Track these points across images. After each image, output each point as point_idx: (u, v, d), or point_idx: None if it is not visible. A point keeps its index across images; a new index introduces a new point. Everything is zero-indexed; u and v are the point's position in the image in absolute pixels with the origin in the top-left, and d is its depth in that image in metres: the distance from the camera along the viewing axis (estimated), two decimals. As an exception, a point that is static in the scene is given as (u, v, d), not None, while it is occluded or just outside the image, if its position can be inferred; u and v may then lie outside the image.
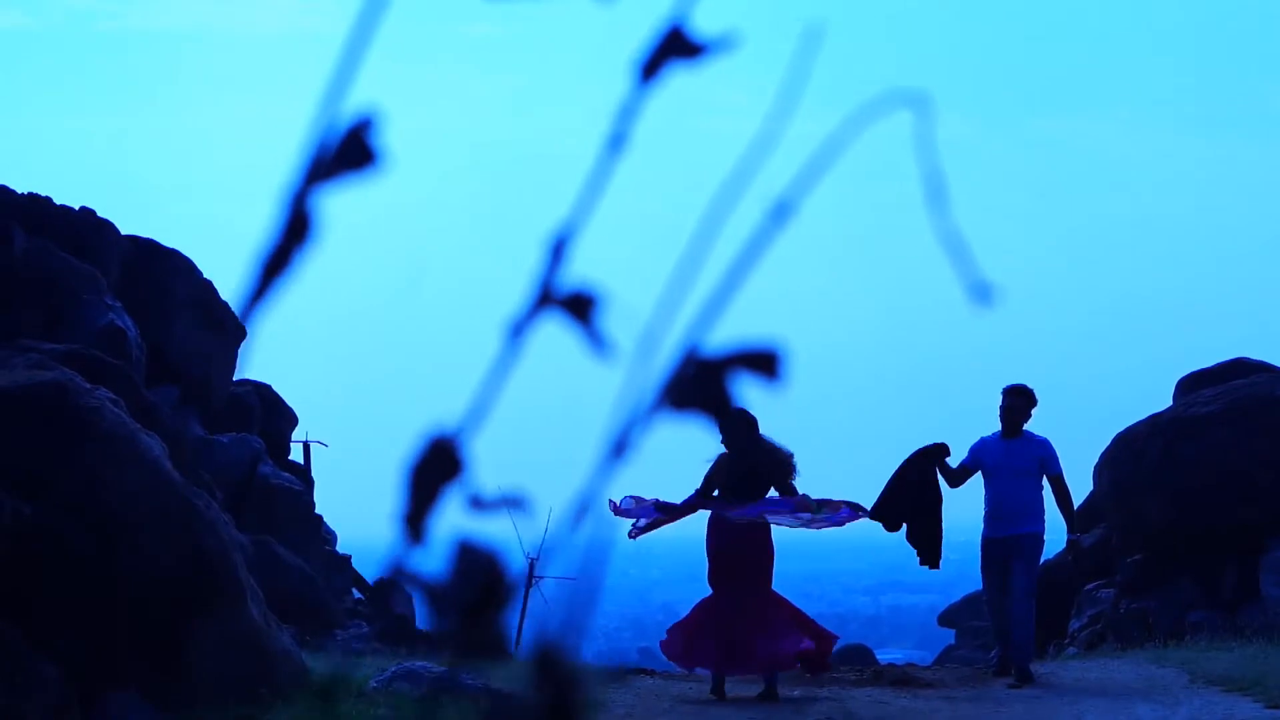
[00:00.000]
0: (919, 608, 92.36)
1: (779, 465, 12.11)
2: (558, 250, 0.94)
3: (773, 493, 12.10)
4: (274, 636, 10.44)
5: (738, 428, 11.98)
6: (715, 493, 12.21)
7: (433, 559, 0.92)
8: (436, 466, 0.91)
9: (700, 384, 0.91)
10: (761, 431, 12.23)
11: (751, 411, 12.13)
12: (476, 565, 0.89)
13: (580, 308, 0.93)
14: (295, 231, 0.89)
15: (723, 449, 12.23)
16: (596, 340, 0.94)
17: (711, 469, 12.20)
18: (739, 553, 12.02)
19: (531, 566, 22.54)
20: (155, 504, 9.97)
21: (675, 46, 0.96)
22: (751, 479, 12.07)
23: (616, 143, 0.97)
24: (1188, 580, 18.23)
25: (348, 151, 0.91)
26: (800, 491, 12.10)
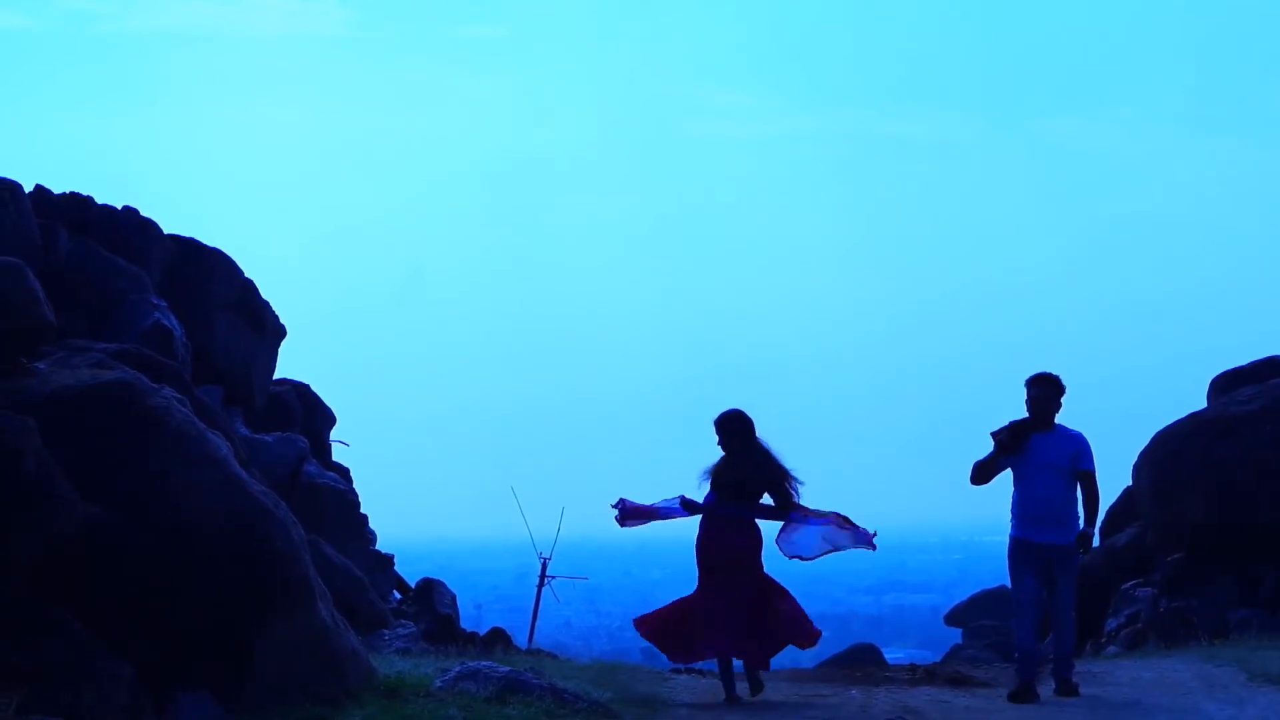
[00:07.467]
0: (921, 607, 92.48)
1: (769, 471, 11.97)
2: None
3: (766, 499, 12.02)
4: (343, 637, 10.39)
5: (733, 430, 11.90)
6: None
7: None
8: None
9: None
10: (760, 436, 12.08)
11: (748, 414, 12.03)
12: None
13: None
14: None
15: (722, 453, 12.11)
16: None
17: (711, 472, 12.10)
18: (727, 546, 11.87)
19: (544, 566, 22.52)
20: (225, 504, 9.91)
21: None
22: (742, 483, 11.95)
23: None
24: (1228, 579, 18.19)
25: None
26: (795, 501, 11.97)
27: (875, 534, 12.11)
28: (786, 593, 12.02)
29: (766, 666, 12.13)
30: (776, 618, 11.86)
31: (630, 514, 12.16)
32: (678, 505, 12.01)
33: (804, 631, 11.92)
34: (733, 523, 11.84)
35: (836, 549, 12.08)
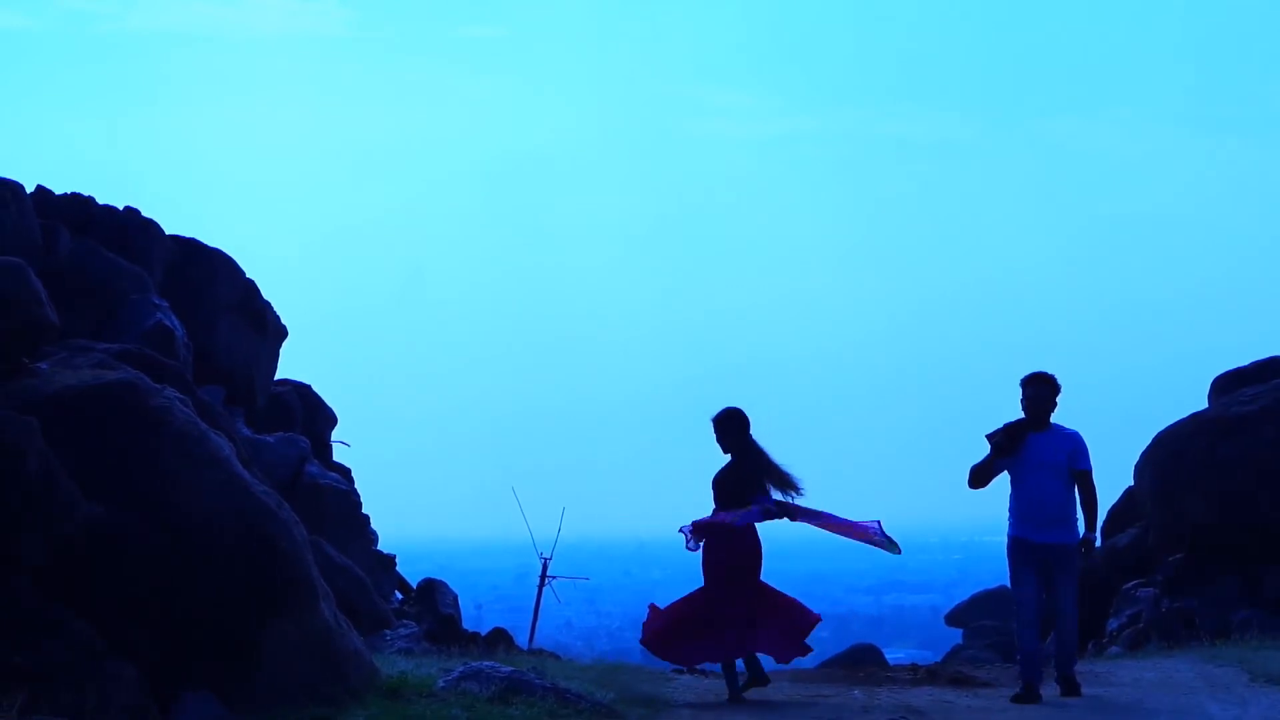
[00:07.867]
0: (921, 607, 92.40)
1: (762, 471, 11.96)
2: None
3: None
4: (345, 637, 10.39)
5: (727, 429, 11.91)
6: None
7: None
8: None
9: None
10: (752, 436, 12.08)
11: (743, 412, 12.04)
12: None
13: None
14: None
15: (720, 452, 12.12)
16: None
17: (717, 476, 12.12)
18: (730, 547, 11.90)
19: (545, 566, 22.50)
20: (228, 504, 9.91)
21: None
22: (745, 484, 11.95)
23: None
24: (1230, 579, 18.18)
25: None
26: (776, 499, 11.97)
27: (888, 534, 12.16)
28: (780, 591, 12.10)
29: (803, 650, 12.07)
30: (777, 606, 11.92)
31: (703, 530, 12.06)
32: (757, 512, 11.94)
33: (804, 616, 11.96)
34: (740, 529, 11.88)
35: (851, 529, 12.13)
